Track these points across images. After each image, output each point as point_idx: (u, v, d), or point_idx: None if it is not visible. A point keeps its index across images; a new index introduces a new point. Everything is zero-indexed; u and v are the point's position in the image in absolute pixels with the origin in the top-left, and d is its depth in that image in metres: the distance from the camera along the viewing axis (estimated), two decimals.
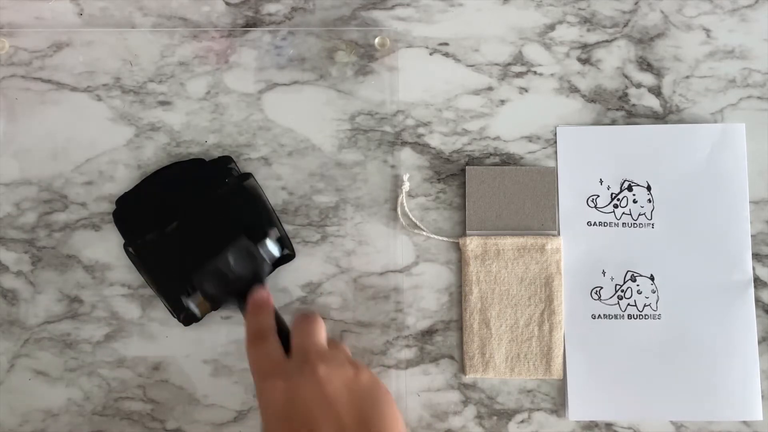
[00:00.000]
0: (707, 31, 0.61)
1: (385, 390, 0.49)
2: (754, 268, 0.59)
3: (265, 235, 0.56)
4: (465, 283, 0.59)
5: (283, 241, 0.59)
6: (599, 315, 0.59)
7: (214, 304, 0.55)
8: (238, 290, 0.54)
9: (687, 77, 0.61)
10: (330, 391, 0.47)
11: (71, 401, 0.59)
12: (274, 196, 0.60)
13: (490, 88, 0.61)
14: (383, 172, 0.60)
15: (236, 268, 0.54)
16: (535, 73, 0.61)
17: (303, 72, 0.61)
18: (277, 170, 0.60)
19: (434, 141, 0.61)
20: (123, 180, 0.60)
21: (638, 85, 0.61)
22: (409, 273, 0.60)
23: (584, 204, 0.60)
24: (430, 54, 0.61)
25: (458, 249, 0.60)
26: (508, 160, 0.61)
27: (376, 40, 0.61)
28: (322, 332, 0.51)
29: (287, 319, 0.53)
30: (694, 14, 0.61)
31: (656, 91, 0.61)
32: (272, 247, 0.56)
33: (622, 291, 0.59)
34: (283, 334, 0.52)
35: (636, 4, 0.61)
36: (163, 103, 0.61)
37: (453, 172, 0.60)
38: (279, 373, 0.48)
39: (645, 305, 0.59)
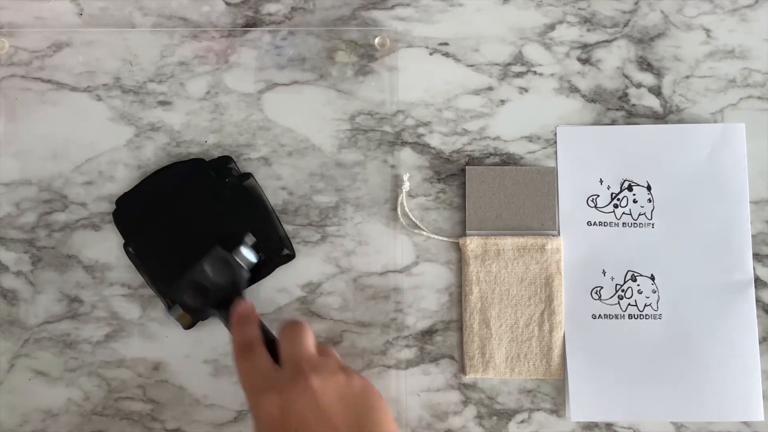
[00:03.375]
0: (707, 31, 0.61)
1: (377, 394, 0.49)
2: (754, 268, 0.59)
3: (239, 242, 0.56)
4: (465, 283, 0.59)
5: (283, 241, 0.59)
6: (599, 315, 0.59)
7: (195, 316, 0.55)
8: (218, 301, 0.54)
9: (687, 77, 0.61)
10: (325, 402, 0.47)
11: (71, 401, 0.59)
12: (274, 196, 0.60)
13: (490, 88, 0.61)
14: (383, 172, 0.60)
15: (214, 278, 0.54)
16: (535, 73, 0.61)
17: (303, 72, 0.61)
18: (277, 170, 0.60)
19: (434, 141, 0.61)
20: (123, 180, 0.60)
21: (638, 85, 0.61)
22: (409, 273, 0.60)
23: (584, 204, 0.60)
24: (430, 54, 0.61)
25: (458, 249, 0.60)
26: (508, 160, 0.61)
27: (376, 40, 0.61)
28: (310, 339, 0.51)
29: (274, 327, 0.53)
30: (694, 14, 0.61)
31: (656, 91, 0.61)
32: (248, 254, 0.56)
33: (623, 291, 0.59)
34: (270, 343, 0.51)
35: (636, 4, 0.61)
36: (163, 103, 0.61)
37: (453, 172, 0.60)
38: (272, 386, 0.48)
39: (646, 305, 0.59)
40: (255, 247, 0.57)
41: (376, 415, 0.48)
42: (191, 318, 0.56)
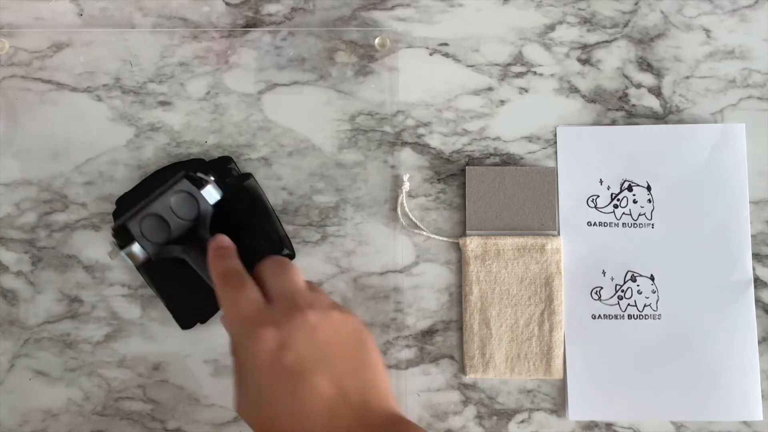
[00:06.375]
0: (707, 31, 0.61)
1: (370, 336, 0.47)
2: (754, 268, 0.59)
3: (203, 179, 0.54)
4: (465, 283, 0.59)
5: (283, 241, 0.59)
6: (599, 315, 0.59)
7: (155, 251, 0.53)
8: (179, 237, 0.52)
9: (687, 77, 0.61)
10: (322, 338, 0.44)
11: (71, 401, 0.59)
12: (274, 196, 0.60)
13: (490, 89, 0.61)
14: (383, 172, 0.60)
15: (177, 212, 0.52)
16: (535, 73, 0.61)
17: (303, 72, 0.61)
18: (277, 170, 0.60)
19: (434, 141, 0.61)
20: (123, 180, 0.60)
21: (638, 86, 0.61)
22: (409, 273, 0.60)
23: (584, 204, 0.60)
24: (430, 54, 0.61)
25: (458, 249, 0.60)
26: (508, 160, 0.61)
27: (376, 41, 0.61)
28: (300, 275, 0.48)
29: None
30: (694, 14, 0.61)
31: (656, 92, 0.61)
32: (212, 189, 0.54)
33: (622, 291, 0.59)
34: None
35: (636, 4, 0.61)
36: (163, 104, 0.61)
37: (453, 172, 0.60)
38: (267, 321, 0.44)
39: (645, 305, 0.59)
40: (218, 185, 0.55)
41: (369, 356, 0.46)
42: (148, 254, 0.52)
